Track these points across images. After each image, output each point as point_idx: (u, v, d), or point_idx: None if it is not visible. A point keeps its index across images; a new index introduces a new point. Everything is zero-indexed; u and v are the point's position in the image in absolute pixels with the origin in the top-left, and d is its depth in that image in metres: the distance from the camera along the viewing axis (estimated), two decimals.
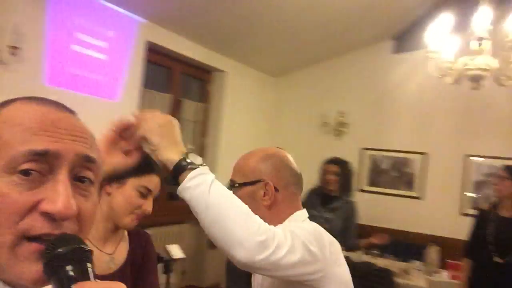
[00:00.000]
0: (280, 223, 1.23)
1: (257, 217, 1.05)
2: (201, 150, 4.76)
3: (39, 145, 0.55)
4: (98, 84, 3.40)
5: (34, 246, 0.54)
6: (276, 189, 1.27)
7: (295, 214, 1.29)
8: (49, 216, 0.54)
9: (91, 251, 0.54)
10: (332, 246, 1.20)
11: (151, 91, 4.08)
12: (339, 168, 3.34)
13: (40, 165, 0.55)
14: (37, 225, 0.54)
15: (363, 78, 5.17)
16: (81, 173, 0.59)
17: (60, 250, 0.52)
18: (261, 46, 4.68)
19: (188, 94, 4.57)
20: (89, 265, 0.53)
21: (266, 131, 5.44)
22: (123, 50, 3.59)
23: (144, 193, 1.48)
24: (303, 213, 1.32)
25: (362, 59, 5.17)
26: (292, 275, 1.09)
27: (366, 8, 4.17)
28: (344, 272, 1.22)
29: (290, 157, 1.35)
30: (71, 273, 0.51)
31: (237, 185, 1.29)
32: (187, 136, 4.57)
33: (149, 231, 3.73)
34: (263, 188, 1.27)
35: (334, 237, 1.26)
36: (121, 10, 3.53)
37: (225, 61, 4.77)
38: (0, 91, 2.76)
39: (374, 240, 3.57)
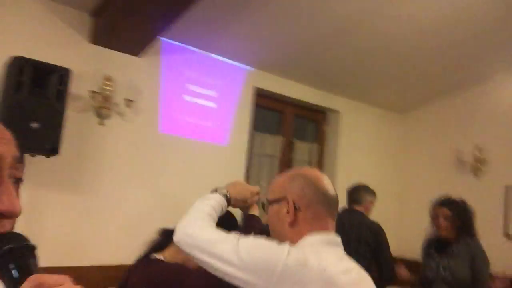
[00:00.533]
0: None
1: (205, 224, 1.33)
2: None
3: None
4: (208, 130, 3.65)
5: None
6: (297, 208, 1.24)
7: (315, 234, 1.21)
8: None
9: (35, 246, 0.60)
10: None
11: (262, 134, 4.21)
12: (450, 211, 2.87)
13: None
14: None
15: (504, 108, 4.52)
16: (17, 174, 0.65)
17: (6, 248, 0.57)
18: (377, 82, 4.48)
19: (300, 135, 4.59)
20: (33, 260, 0.59)
21: (390, 171, 5.08)
22: (231, 97, 3.82)
23: None
24: (326, 236, 1.23)
25: (501, 87, 4.54)
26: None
27: (501, 29, 3.69)
28: None
29: (322, 177, 1.31)
30: (16, 270, 0.56)
31: (267, 202, 1.33)
32: None
33: None
34: (286, 206, 1.25)
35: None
36: (228, 61, 3.80)
37: (337, 100, 4.69)
38: (119, 140, 3.17)
39: None
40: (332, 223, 1.27)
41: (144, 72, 3.30)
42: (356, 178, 4.56)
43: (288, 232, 1.24)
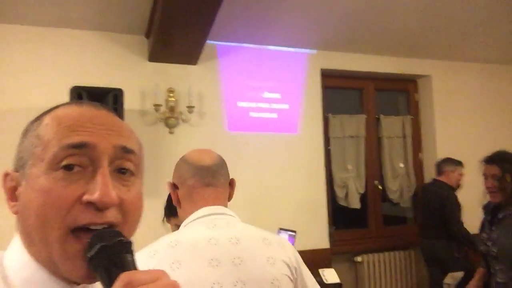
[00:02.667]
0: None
1: None
2: (419, 166, 4.30)
3: (76, 139, 0.60)
4: (276, 121, 3.68)
5: (81, 244, 0.57)
6: (176, 187, 1.31)
7: (193, 214, 1.26)
8: (92, 206, 0.58)
9: (130, 242, 0.59)
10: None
11: (340, 116, 4.06)
12: (500, 169, 2.30)
13: (80, 159, 0.59)
14: (82, 216, 0.57)
15: None
16: (122, 164, 0.62)
17: (100, 245, 0.56)
18: (470, 34, 3.95)
19: (387, 110, 4.29)
20: (128, 255, 0.57)
21: (506, 133, 4.41)
22: (297, 85, 3.78)
23: None
24: (198, 213, 1.26)
25: None
26: None
27: None
28: None
29: (198, 153, 1.36)
30: (114, 266, 0.55)
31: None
32: (397, 154, 4.24)
33: (361, 257, 3.64)
34: (171, 189, 1.33)
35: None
36: (287, 49, 3.78)
37: (424, 64, 4.27)
38: (189, 144, 3.40)
39: None
40: (209, 190, 1.29)
41: (204, 78, 3.49)
42: (460, 148, 4.10)
43: (180, 212, 1.33)
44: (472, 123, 4.32)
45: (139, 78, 3.29)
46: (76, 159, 0.59)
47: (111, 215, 0.59)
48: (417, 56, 4.22)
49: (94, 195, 0.57)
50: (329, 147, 4.00)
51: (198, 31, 3.12)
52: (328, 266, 3.65)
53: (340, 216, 4.06)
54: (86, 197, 0.57)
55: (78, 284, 0.61)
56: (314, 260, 3.48)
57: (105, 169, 0.59)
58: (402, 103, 4.48)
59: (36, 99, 2.90)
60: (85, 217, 0.57)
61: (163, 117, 3.32)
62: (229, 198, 1.40)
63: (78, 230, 0.58)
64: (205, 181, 1.29)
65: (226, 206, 1.34)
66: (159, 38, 3.16)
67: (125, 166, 0.63)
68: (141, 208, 0.66)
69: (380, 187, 4.12)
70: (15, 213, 0.62)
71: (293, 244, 3.03)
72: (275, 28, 3.55)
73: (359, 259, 3.86)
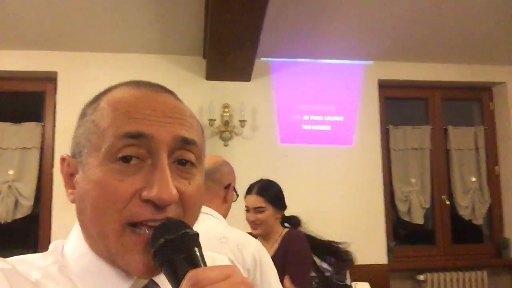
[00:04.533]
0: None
1: None
2: (494, 180, 3.96)
3: (133, 127, 0.56)
4: (330, 134, 3.70)
5: (140, 237, 0.55)
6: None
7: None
8: (151, 203, 0.55)
9: (196, 234, 0.54)
10: None
11: (402, 127, 3.92)
12: None
13: (138, 150, 0.56)
14: (140, 212, 0.55)
15: None
16: (182, 155, 0.59)
17: (165, 238, 0.52)
18: None
19: (455, 121, 4.03)
20: (196, 249, 0.53)
21: None
22: (352, 97, 3.76)
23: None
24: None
25: None
26: None
27: None
28: None
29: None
30: (181, 261, 0.51)
31: None
32: (468, 167, 3.95)
33: (424, 275, 3.50)
34: None
35: None
36: (341, 61, 3.79)
37: (500, 71, 3.95)
38: (243, 156, 3.58)
39: None
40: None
41: (257, 93, 3.66)
42: None
43: None
44: None
45: (196, 96, 3.55)
46: (133, 150, 0.56)
47: (171, 211, 0.56)
48: (490, 63, 3.93)
49: (153, 193, 0.54)
50: (390, 159, 3.89)
51: (246, 49, 3.30)
52: (385, 282, 3.55)
53: (404, 231, 3.90)
54: (144, 194, 0.54)
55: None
56: (370, 275, 3.41)
57: (164, 163, 0.56)
58: (473, 113, 4.18)
59: None
60: (143, 214, 0.55)
61: (218, 131, 3.54)
62: (225, 200, 1.55)
63: (135, 224, 0.55)
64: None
65: (211, 203, 1.49)
66: (212, 58, 3.40)
67: (185, 157, 0.59)
68: (201, 201, 0.63)
69: (448, 202, 3.88)
70: (72, 201, 0.61)
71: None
72: (328, 41, 3.60)
73: (421, 277, 3.65)
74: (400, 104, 4.09)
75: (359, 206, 3.63)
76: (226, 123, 3.53)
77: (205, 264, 0.52)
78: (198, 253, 0.53)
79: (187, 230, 0.54)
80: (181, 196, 0.57)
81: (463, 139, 3.98)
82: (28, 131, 3.46)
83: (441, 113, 4.01)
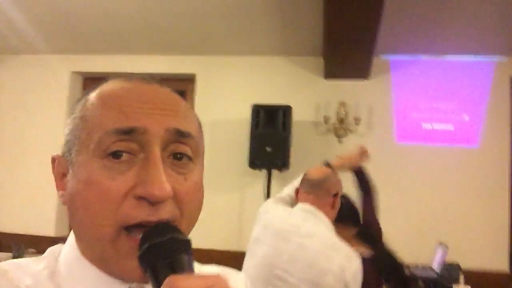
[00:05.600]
0: None
1: None
2: None
3: (124, 123, 0.53)
4: (452, 134, 3.57)
5: (135, 241, 0.52)
6: (298, 189, 1.92)
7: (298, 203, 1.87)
8: (145, 200, 0.52)
9: (186, 240, 0.52)
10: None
11: None
12: None
13: (129, 145, 0.53)
14: (135, 213, 0.52)
15: None
16: (177, 149, 0.56)
17: (150, 242, 0.50)
18: None
19: None
20: (184, 255, 0.50)
21: None
22: (478, 95, 3.56)
23: None
24: (300, 205, 1.83)
25: None
26: None
27: None
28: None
29: (310, 170, 1.91)
30: (164, 267, 0.49)
31: None
32: None
33: None
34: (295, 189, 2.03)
35: None
36: (468, 57, 3.59)
37: None
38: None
39: None
40: (308, 197, 1.80)
41: (375, 91, 3.71)
42: None
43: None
44: None
45: (315, 95, 3.77)
46: (124, 145, 0.53)
47: (166, 211, 0.53)
48: None
49: (145, 189, 0.51)
50: None
51: (363, 47, 3.36)
52: None
53: None
54: (137, 191, 0.52)
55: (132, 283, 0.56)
56: (487, 282, 3.28)
57: (157, 157, 0.53)
58: None
59: (225, 113, 3.79)
60: (137, 215, 0.52)
61: (332, 128, 3.70)
62: (332, 206, 1.83)
63: (130, 227, 0.53)
64: (309, 192, 1.82)
65: (322, 210, 1.79)
66: (330, 57, 3.56)
67: (180, 150, 0.56)
68: (200, 199, 0.59)
69: None
70: (64, 203, 0.57)
71: (444, 257, 3.01)
72: (452, 36, 3.46)
73: None
74: None
75: (480, 210, 3.46)
76: (341, 121, 3.68)
77: (190, 272, 0.50)
78: (184, 260, 0.50)
79: (175, 235, 0.51)
80: (176, 193, 0.54)
81: None
82: None
83: None
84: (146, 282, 0.53)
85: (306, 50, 3.78)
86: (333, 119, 3.69)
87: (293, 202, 1.99)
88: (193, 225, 0.58)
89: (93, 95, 0.58)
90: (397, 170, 3.62)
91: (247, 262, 1.79)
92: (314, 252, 1.61)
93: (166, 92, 0.59)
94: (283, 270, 1.62)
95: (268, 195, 3.34)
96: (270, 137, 3.31)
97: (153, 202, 0.52)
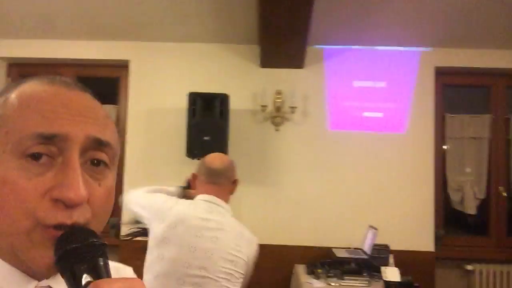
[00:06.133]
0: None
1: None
2: None
3: (48, 128, 0.54)
4: (381, 121, 3.74)
5: (50, 232, 0.53)
6: (195, 177, 1.94)
7: (200, 195, 1.82)
8: (61, 202, 0.53)
9: (103, 244, 0.54)
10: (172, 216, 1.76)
11: (460, 116, 3.84)
12: None
13: (49, 148, 0.54)
14: (50, 215, 0.53)
15: None
16: (95, 156, 0.58)
17: (70, 246, 0.51)
18: None
19: None
20: (101, 259, 0.52)
21: None
22: (406, 84, 3.75)
23: None
24: (202, 196, 1.86)
25: None
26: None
27: None
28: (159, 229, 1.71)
29: (212, 157, 1.88)
30: (81, 272, 0.50)
31: None
32: None
33: (473, 265, 3.48)
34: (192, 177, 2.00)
35: None
36: (397, 48, 3.77)
37: None
38: (293, 141, 3.76)
39: None
40: (211, 186, 1.85)
41: (309, 80, 3.80)
42: None
43: (194, 193, 1.94)
44: None
45: (251, 83, 3.79)
46: (44, 148, 0.54)
47: (80, 214, 0.55)
48: None
49: (62, 192, 0.53)
50: (444, 148, 3.85)
51: (296, 37, 3.41)
52: (431, 269, 3.59)
53: (455, 221, 3.87)
54: (54, 194, 0.53)
55: (39, 280, 0.57)
56: (415, 261, 3.49)
57: (75, 162, 0.55)
58: None
59: (161, 101, 3.73)
60: (53, 216, 0.53)
61: (270, 117, 3.75)
62: (231, 192, 1.92)
63: (47, 227, 0.54)
64: (213, 181, 1.84)
65: (223, 199, 1.85)
66: (265, 46, 3.58)
67: (98, 157, 0.58)
68: (111, 204, 0.61)
69: (505, 194, 3.76)
70: None
71: (374, 240, 3.16)
72: (382, 28, 3.61)
73: (470, 267, 3.63)
74: (459, 92, 3.99)
75: (408, 193, 3.67)
76: (278, 109, 3.73)
77: (108, 276, 0.52)
78: (102, 264, 0.52)
79: (94, 240, 0.53)
80: (90, 198, 0.56)
81: None
82: None
83: (504, 101, 3.85)
84: (54, 274, 0.56)
85: (242, 38, 3.78)
86: (270, 108, 3.73)
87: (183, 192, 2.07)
88: (102, 227, 0.60)
89: (13, 95, 0.58)
90: (331, 157, 3.74)
91: (154, 265, 1.72)
92: (226, 244, 1.71)
93: (88, 100, 0.61)
94: (199, 267, 1.65)
95: None
96: (207, 125, 3.29)
97: (69, 205, 0.53)
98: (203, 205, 1.80)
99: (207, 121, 3.31)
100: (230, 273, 1.67)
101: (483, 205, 3.81)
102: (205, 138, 3.26)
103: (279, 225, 3.69)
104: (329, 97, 3.78)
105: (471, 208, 3.74)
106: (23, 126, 0.54)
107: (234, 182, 1.93)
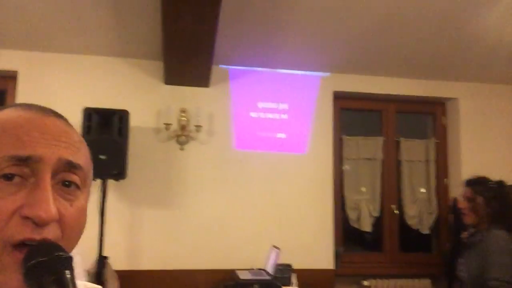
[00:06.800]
0: None
1: None
2: (443, 192, 4.12)
3: (22, 151, 0.57)
4: (283, 141, 3.82)
5: (17, 256, 0.55)
6: None
7: None
8: (30, 221, 0.55)
9: (69, 257, 0.56)
10: None
11: (356, 138, 4.06)
12: (472, 191, 2.44)
13: (22, 169, 0.57)
14: (19, 230, 0.55)
15: None
16: (66, 177, 0.60)
17: (36, 260, 0.53)
18: (495, 54, 3.75)
19: (407, 133, 4.18)
20: (67, 272, 0.54)
21: None
22: (307, 106, 3.89)
23: None
24: None
25: None
26: None
27: None
28: None
29: None
30: (49, 285, 0.52)
31: None
32: (418, 178, 4.11)
33: (369, 281, 3.58)
34: None
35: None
36: (299, 72, 3.91)
37: (453, 86, 4.11)
38: (198, 160, 3.68)
39: None
40: None
41: (215, 99, 3.76)
42: (487, 173, 3.89)
43: None
44: (503, 146, 4.05)
45: (155, 100, 3.66)
46: (17, 169, 0.57)
47: (50, 231, 0.57)
48: (444, 79, 4.09)
49: (32, 210, 0.55)
50: (342, 169, 4.03)
51: (201, 56, 3.38)
52: (330, 287, 3.68)
53: (354, 239, 4.04)
54: (23, 212, 0.55)
55: None
56: (315, 280, 3.54)
57: (46, 182, 0.57)
58: (426, 127, 4.34)
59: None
60: (21, 232, 0.55)
61: (174, 135, 3.63)
62: None
63: (15, 245, 0.56)
64: None
65: None
66: (170, 63, 3.49)
67: (69, 179, 0.61)
68: (83, 224, 0.63)
69: (397, 211, 4.02)
70: None
71: (277, 259, 3.15)
72: (284, 52, 3.72)
73: (366, 283, 3.80)
74: (355, 115, 4.23)
75: (309, 213, 3.76)
76: (183, 128, 3.63)
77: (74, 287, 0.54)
78: (69, 277, 0.54)
79: (60, 253, 0.55)
80: (61, 217, 0.58)
81: (414, 151, 4.13)
82: None
83: (394, 125, 4.16)
84: None
85: (146, 53, 3.65)
86: (174, 126, 3.62)
87: None
88: (73, 246, 0.62)
89: None
90: (235, 176, 3.72)
91: None
92: None
93: (62, 125, 0.63)
94: None
95: (103, 207, 3.09)
96: (104, 143, 3.07)
97: (38, 223, 0.55)
98: None
99: (104, 139, 3.10)
100: None
101: (378, 223, 4.03)
102: (101, 157, 3.04)
103: (183, 249, 3.55)
104: (234, 117, 3.78)
105: (367, 225, 3.94)
106: None
107: None
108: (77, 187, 0.62)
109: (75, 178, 0.61)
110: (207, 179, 3.69)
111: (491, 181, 2.50)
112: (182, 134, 3.64)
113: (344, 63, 3.87)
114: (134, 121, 3.38)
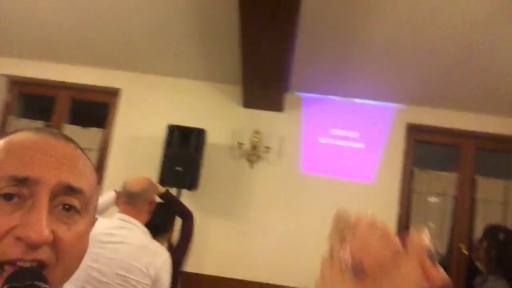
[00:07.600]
0: None
1: None
2: None
3: (21, 171, 0.58)
4: (351, 169, 3.91)
5: (2, 278, 0.55)
6: (119, 196, 2.19)
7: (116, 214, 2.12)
8: (23, 242, 0.55)
9: (40, 286, 0.54)
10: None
11: (428, 171, 3.99)
12: (485, 237, 2.45)
13: (21, 190, 0.58)
14: (10, 250, 0.56)
15: None
16: (65, 201, 0.60)
17: (10, 284, 0.53)
18: None
19: (485, 171, 3.99)
20: None
21: None
22: (378, 137, 3.94)
23: None
24: (120, 214, 2.08)
25: None
26: None
27: None
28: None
29: (130, 180, 2.13)
30: None
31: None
32: (494, 219, 3.89)
33: None
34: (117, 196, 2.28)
35: None
36: (372, 102, 3.98)
37: None
38: (266, 179, 3.93)
39: None
40: (127, 206, 2.06)
41: (287, 123, 4.00)
42: None
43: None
44: None
45: (232, 121, 4.01)
46: (16, 190, 0.58)
47: (43, 253, 0.57)
48: None
49: (23, 231, 0.55)
50: (411, 201, 3.98)
51: (275, 82, 3.64)
52: None
53: None
54: (16, 232, 0.56)
55: None
56: None
57: (42, 204, 0.57)
58: (507, 165, 4.09)
59: (143, 130, 3.94)
60: (13, 252, 0.56)
61: (246, 154, 3.94)
62: (148, 211, 2.14)
63: (5, 264, 0.56)
64: (128, 202, 2.08)
65: (137, 217, 2.07)
66: (247, 88, 3.81)
67: (68, 202, 0.61)
68: (82, 249, 0.64)
69: (465, 251, 3.86)
70: None
71: None
72: (360, 81, 3.84)
73: None
74: (429, 148, 4.16)
75: None
76: (254, 147, 3.92)
77: None
78: None
79: (35, 282, 0.54)
80: (56, 241, 0.58)
81: (492, 191, 3.94)
82: (92, 134, 4.16)
83: (472, 161, 4.01)
84: None
85: (227, 78, 4.02)
86: (246, 145, 3.92)
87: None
88: (71, 273, 0.63)
89: (1, 142, 0.62)
90: (300, 198, 3.89)
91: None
92: (124, 254, 1.92)
93: (69, 148, 0.64)
94: (98, 271, 1.88)
95: None
96: (181, 157, 3.48)
97: (30, 244, 0.55)
98: (116, 222, 2.04)
99: (182, 153, 3.50)
100: (125, 279, 1.88)
101: (444, 262, 3.90)
102: (178, 168, 3.45)
103: (243, 260, 3.81)
104: (304, 141, 3.97)
105: None
106: (0, 169, 0.58)
107: (151, 203, 2.14)
108: (77, 211, 0.61)
109: (75, 202, 0.61)
110: (272, 197, 3.93)
111: (508, 229, 2.49)
112: (253, 154, 3.93)
113: (419, 96, 3.87)
114: (211, 139, 3.76)
